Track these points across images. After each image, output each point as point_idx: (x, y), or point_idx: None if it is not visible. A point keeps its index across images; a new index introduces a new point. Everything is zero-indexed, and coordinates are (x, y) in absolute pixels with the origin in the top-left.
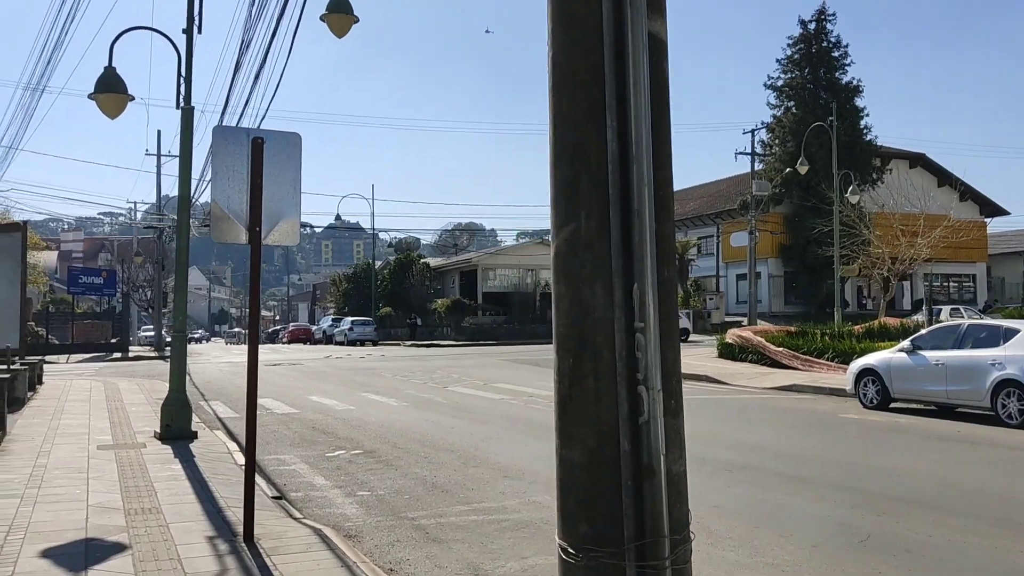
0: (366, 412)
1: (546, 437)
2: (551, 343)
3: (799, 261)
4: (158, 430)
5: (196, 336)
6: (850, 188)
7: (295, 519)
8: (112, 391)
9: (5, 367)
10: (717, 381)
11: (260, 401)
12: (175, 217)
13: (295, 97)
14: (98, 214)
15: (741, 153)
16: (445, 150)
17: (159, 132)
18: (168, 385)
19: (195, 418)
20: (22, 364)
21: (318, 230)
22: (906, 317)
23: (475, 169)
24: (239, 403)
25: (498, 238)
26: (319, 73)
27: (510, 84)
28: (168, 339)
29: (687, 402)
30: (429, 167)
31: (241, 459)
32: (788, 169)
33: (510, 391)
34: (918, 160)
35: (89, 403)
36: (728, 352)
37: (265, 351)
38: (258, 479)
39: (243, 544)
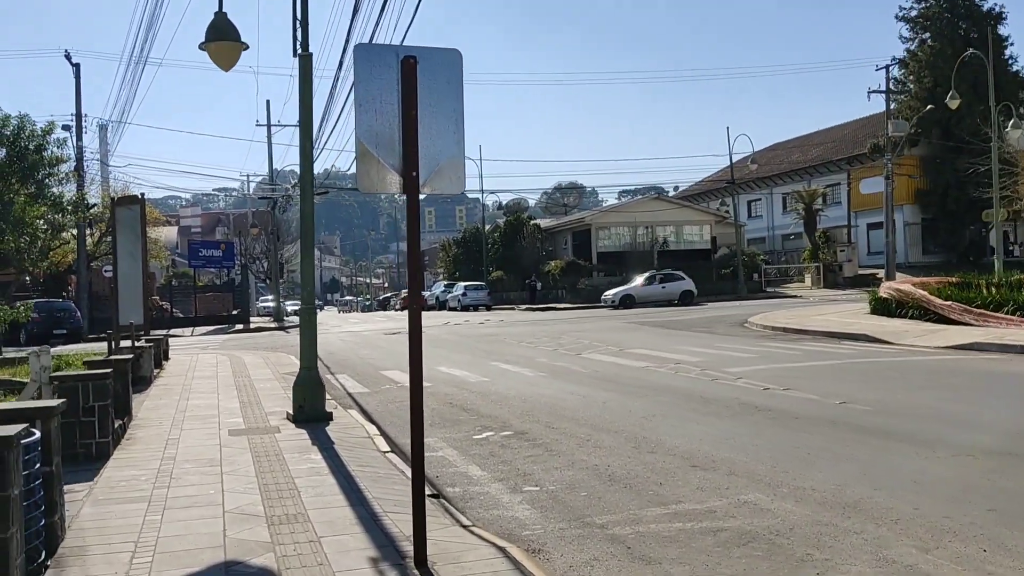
0: (502, 384)
1: (723, 414)
2: (673, 304)
3: (938, 207)
4: (290, 411)
5: None
6: (1011, 121)
7: (464, 527)
8: (238, 366)
9: (130, 345)
10: (880, 340)
11: (387, 373)
12: (288, 186)
13: None
14: (213, 190)
15: (874, 91)
16: (545, 109)
17: (268, 102)
18: (298, 361)
19: (326, 395)
20: (147, 341)
21: (421, 197)
22: None
23: (576, 128)
24: (367, 376)
25: (599, 197)
26: (419, 32)
27: (609, 40)
28: (289, 309)
29: (868, 365)
30: (530, 127)
31: (383, 444)
32: (929, 106)
33: (651, 357)
34: None
35: (216, 380)
36: (883, 308)
37: (380, 319)
38: (408, 472)
39: (415, 572)
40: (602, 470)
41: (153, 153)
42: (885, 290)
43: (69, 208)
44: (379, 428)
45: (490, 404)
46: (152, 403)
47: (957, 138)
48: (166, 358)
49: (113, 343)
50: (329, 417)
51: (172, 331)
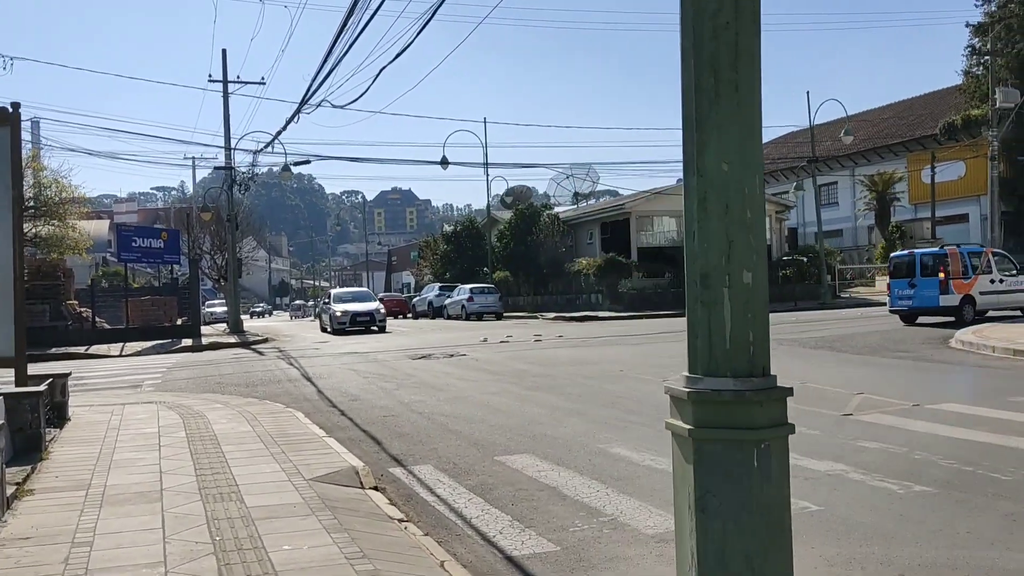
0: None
1: None
2: None
3: (1022, 198)
4: None
5: (258, 310)
6: None
7: None
8: (205, 445)
9: None
10: None
11: (515, 465)
12: (255, 148)
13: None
14: (151, 188)
15: (974, 53)
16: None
17: (224, 51)
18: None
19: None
20: (12, 395)
21: (370, 198)
22: None
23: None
24: (481, 475)
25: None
26: None
27: None
28: (250, 314)
29: None
30: (533, 92)
31: None
32: None
33: (934, 413)
34: None
35: (160, 506)
36: None
37: (374, 333)
38: None
39: None
40: None
41: (72, 105)
42: None
43: None
44: None
45: None
46: None
47: None
48: (59, 421)
49: None
50: None
51: (94, 348)
